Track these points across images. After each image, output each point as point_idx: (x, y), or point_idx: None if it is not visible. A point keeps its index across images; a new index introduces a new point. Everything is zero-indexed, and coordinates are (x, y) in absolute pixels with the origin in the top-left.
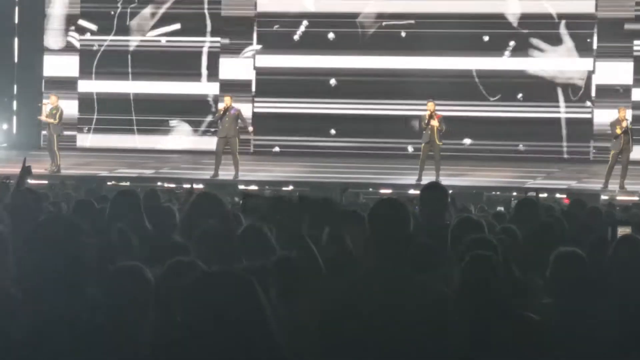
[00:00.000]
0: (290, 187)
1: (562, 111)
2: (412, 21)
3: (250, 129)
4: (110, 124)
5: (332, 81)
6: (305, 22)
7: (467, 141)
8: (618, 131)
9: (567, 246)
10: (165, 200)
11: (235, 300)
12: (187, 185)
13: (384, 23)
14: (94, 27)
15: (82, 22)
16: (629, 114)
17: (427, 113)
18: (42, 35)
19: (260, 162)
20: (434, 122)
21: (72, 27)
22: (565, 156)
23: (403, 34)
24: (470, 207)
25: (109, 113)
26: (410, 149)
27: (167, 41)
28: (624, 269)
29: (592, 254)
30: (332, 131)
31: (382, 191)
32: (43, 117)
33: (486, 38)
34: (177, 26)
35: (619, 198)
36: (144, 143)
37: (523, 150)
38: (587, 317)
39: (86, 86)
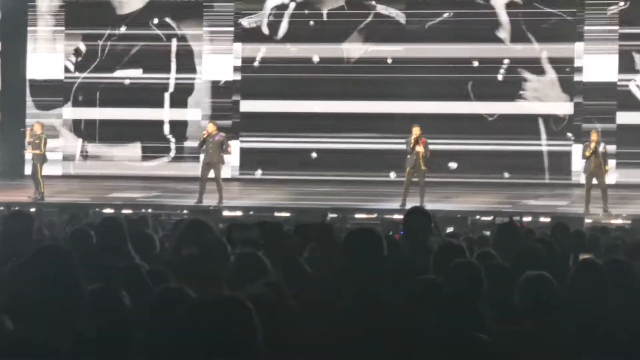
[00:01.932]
0: (286, 214)
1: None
2: (400, 47)
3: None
4: (94, 151)
5: (317, 109)
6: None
7: (453, 165)
8: (587, 154)
9: (547, 271)
10: (151, 227)
11: (231, 327)
12: (180, 212)
13: (370, 49)
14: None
15: (80, 46)
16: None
17: (413, 137)
18: (24, 63)
19: (244, 188)
20: (419, 148)
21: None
22: (547, 181)
23: (390, 61)
24: (460, 233)
25: (94, 140)
26: (392, 175)
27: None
28: (582, 292)
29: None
30: (313, 154)
31: (366, 216)
32: (28, 152)
33: (476, 63)
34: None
35: (603, 222)
36: (128, 169)
37: (508, 177)
38: (555, 341)
39: (71, 113)
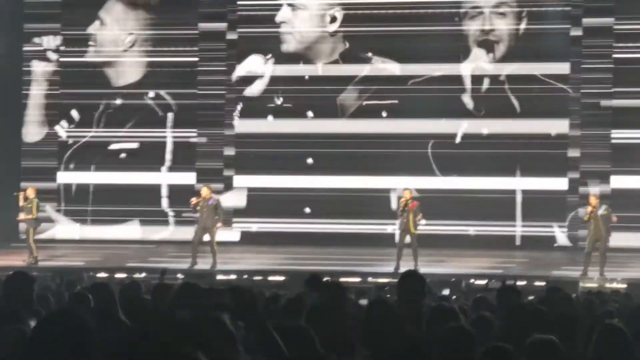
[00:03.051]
0: (280, 277)
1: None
2: (396, 101)
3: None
4: (86, 215)
5: (310, 160)
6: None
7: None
8: (586, 218)
9: (545, 334)
10: (144, 292)
11: None
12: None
13: (364, 103)
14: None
15: (73, 113)
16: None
17: (403, 200)
18: (20, 125)
19: (238, 251)
20: (410, 213)
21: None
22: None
23: (384, 114)
24: (452, 296)
25: (86, 204)
26: (389, 229)
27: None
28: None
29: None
30: (307, 209)
31: (360, 279)
32: (22, 217)
33: (470, 105)
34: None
35: (596, 285)
36: (121, 234)
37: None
38: None
39: (64, 177)
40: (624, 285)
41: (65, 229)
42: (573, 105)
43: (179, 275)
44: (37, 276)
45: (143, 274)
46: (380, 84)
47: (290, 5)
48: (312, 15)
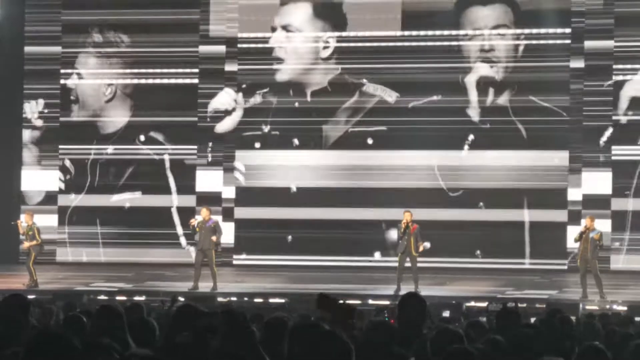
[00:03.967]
0: (281, 300)
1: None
2: (385, 127)
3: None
4: (87, 237)
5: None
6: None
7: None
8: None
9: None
10: (146, 314)
11: None
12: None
13: (349, 130)
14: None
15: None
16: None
17: (403, 222)
18: (20, 149)
19: (238, 274)
20: (412, 236)
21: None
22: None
23: (370, 141)
24: (457, 319)
25: (86, 226)
26: (377, 255)
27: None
28: None
29: None
30: (289, 238)
31: (360, 302)
32: (26, 245)
33: (471, 137)
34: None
35: (597, 308)
36: (122, 256)
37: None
38: None
39: (65, 200)
40: (625, 308)
41: (66, 251)
42: (574, 138)
43: (180, 298)
44: (37, 299)
45: (143, 297)
46: (375, 110)
47: (284, 28)
48: (306, 39)
